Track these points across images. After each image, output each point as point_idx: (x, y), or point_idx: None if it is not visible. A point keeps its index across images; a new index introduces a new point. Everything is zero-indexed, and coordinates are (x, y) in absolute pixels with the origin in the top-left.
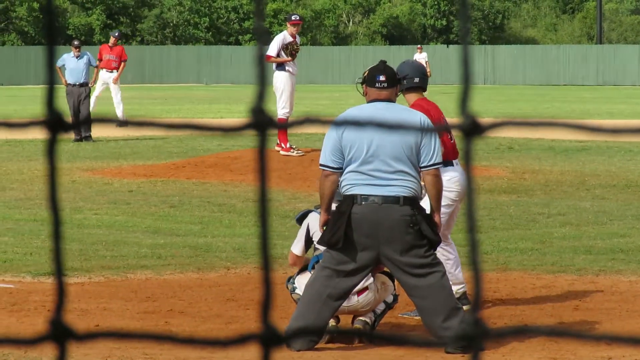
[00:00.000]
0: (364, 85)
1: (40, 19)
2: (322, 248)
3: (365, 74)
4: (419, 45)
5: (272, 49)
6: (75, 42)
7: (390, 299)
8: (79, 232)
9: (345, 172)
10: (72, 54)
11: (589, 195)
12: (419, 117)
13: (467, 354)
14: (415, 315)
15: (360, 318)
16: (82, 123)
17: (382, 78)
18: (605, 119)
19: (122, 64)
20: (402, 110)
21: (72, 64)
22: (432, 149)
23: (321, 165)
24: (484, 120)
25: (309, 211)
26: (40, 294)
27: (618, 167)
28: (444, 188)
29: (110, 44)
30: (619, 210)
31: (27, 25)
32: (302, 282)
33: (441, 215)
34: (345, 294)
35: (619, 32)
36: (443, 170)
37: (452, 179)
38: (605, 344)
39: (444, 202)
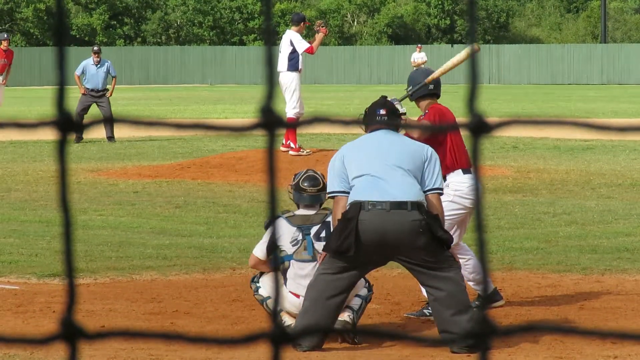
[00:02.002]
0: (364, 122)
1: (46, 20)
2: (290, 250)
3: (366, 110)
4: (418, 45)
5: (304, 42)
6: (95, 48)
7: (364, 292)
8: (84, 233)
9: (351, 181)
10: (92, 61)
11: (594, 194)
12: (422, 144)
13: (473, 354)
14: (421, 316)
15: (340, 319)
16: (84, 125)
17: (382, 112)
18: (610, 118)
19: (9, 66)
20: (403, 136)
21: (92, 70)
22: (436, 174)
23: (329, 193)
24: (491, 119)
25: (278, 216)
26: (45, 295)
27: (623, 166)
28: (462, 194)
29: (3, 48)
30: (624, 210)
31: (32, 26)
32: (265, 281)
33: (453, 218)
34: (349, 288)
35: (624, 31)
36: (462, 176)
37: (471, 185)
38: (611, 343)
39: (458, 207)
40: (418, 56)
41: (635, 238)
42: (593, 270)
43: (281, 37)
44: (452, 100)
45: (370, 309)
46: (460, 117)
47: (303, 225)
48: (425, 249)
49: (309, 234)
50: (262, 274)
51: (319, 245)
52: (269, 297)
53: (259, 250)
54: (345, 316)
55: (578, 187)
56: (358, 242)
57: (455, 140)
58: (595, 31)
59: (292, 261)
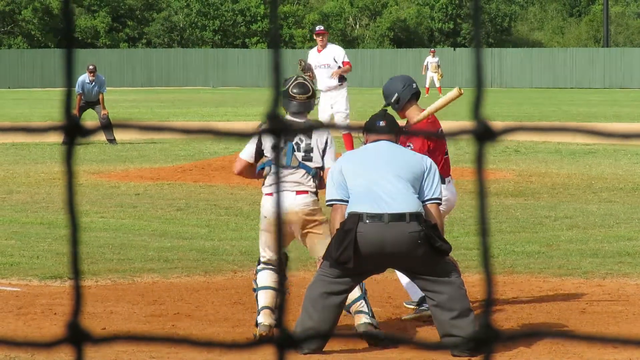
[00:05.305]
0: (364, 134)
1: (47, 21)
2: (270, 155)
3: (366, 122)
4: (432, 49)
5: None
6: (90, 67)
7: (357, 292)
8: (85, 236)
9: (349, 189)
10: (87, 78)
11: (596, 198)
12: (421, 155)
13: (473, 357)
14: (418, 313)
15: (359, 322)
16: (91, 131)
17: (382, 123)
18: (612, 122)
19: None
20: (403, 147)
21: (87, 87)
22: (435, 184)
23: (328, 201)
24: (496, 124)
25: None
26: (47, 297)
27: (625, 170)
28: None
29: None
30: (625, 213)
31: (33, 28)
32: (264, 275)
33: None
34: (348, 290)
35: (626, 35)
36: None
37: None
38: (612, 347)
39: None
40: (432, 60)
41: (637, 242)
42: (594, 275)
43: (285, 41)
44: (454, 105)
45: None
46: (465, 122)
47: None
48: (424, 259)
49: (292, 140)
50: (261, 267)
51: (298, 155)
52: (260, 288)
53: (246, 153)
54: (362, 319)
55: (580, 191)
56: (357, 254)
57: (441, 148)
58: (598, 35)
59: (272, 166)
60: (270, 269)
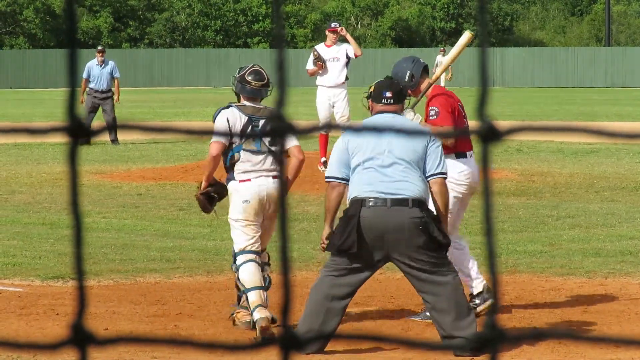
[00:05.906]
0: (369, 100)
1: (49, 21)
2: (239, 141)
3: (371, 89)
4: (441, 48)
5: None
6: (99, 47)
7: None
8: (87, 236)
9: (352, 175)
10: (96, 61)
11: (598, 197)
12: (424, 129)
13: (476, 357)
14: (424, 319)
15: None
16: (95, 131)
17: (388, 94)
18: (614, 121)
19: None
20: (409, 120)
21: (96, 71)
22: (439, 158)
23: (327, 177)
24: (501, 124)
25: (224, 107)
26: (49, 298)
27: (627, 169)
28: (454, 180)
29: None
30: (628, 213)
31: (35, 27)
32: (247, 269)
33: (450, 207)
34: (352, 292)
35: (628, 34)
36: (455, 162)
37: (463, 171)
38: (614, 346)
39: (452, 194)
40: (442, 59)
41: (639, 241)
42: (597, 274)
43: (287, 40)
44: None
45: (373, 312)
46: (469, 122)
47: (253, 116)
48: (424, 249)
49: (258, 126)
50: (241, 258)
51: (266, 140)
52: (250, 289)
53: (220, 137)
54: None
55: (582, 190)
56: (360, 239)
57: (459, 124)
58: (599, 34)
59: (241, 152)
60: (252, 260)
